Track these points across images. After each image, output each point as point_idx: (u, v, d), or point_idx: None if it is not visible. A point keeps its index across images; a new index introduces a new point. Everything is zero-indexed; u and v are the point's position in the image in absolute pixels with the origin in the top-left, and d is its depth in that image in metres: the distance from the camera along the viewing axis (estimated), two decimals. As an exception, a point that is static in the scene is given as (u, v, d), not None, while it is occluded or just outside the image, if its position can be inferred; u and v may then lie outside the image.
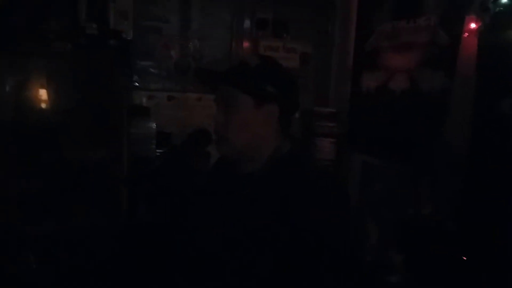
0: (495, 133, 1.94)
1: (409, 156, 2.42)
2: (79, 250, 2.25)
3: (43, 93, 2.17)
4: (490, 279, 1.83)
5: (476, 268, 1.91)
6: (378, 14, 2.75)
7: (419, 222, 2.24)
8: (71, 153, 2.27)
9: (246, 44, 3.05)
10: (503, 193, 1.87)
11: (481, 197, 1.98)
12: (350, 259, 1.17)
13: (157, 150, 2.57)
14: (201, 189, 1.49)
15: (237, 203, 1.24)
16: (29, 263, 2.14)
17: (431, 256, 2.09)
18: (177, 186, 2.06)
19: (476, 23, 2.03)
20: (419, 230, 2.22)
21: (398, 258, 2.24)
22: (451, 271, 1.98)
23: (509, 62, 1.89)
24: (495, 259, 1.87)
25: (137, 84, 2.79)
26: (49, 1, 2.21)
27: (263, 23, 3.05)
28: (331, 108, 3.18)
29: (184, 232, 1.43)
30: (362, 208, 2.74)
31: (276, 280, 1.12)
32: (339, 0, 3.22)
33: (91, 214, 2.29)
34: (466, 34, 2.08)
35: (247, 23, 3.05)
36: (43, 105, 2.18)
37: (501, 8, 1.90)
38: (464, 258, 1.96)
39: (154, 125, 2.61)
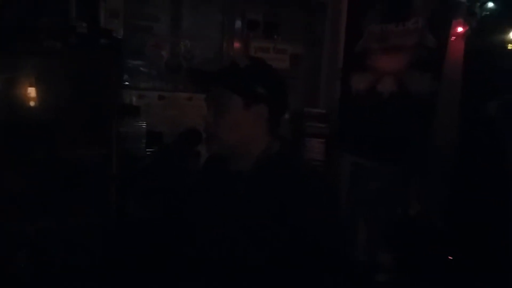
0: (482, 134, 1.98)
1: (398, 156, 2.45)
2: (70, 247, 2.24)
3: (33, 92, 2.16)
4: (479, 277, 1.86)
5: (466, 266, 1.94)
6: (368, 16, 2.78)
7: (408, 222, 2.27)
8: (61, 151, 2.26)
9: (237, 45, 3.06)
10: (491, 192, 1.90)
11: (469, 196, 2.01)
12: (339, 258, 1.19)
13: (147, 149, 2.57)
14: (191, 188, 1.50)
15: (225, 203, 1.25)
16: (20, 261, 2.13)
17: (420, 255, 2.11)
18: (167, 185, 2.07)
19: (463, 27, 2.06)
20: (408, 229, 2.24)
21: (388, 258, 2.27)
22: (440, 270, 2.00)
23: (495, 65, 1.93)
24: (484, 257, 1.91)
25: (127, 83, 2.78)
26: (39, 0, 2.20)
27: (254, 24, 3.06)
28: (321, 109, 3.20)
29: (173, 229, 1.44)
30: (351, 208, 2.76)
31: (266, 277, 1.13)
32: (329, 2, 3.24)
33: (81, 212, 2.28)
34: (454, 37, 2.12)
35: (238, 24, 3.06)
36: (34, 104, 2.17)
37: (488, 13, 1.94)
38: (450, 258, 1.99)
39: (144, 124, 2.61)
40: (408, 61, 2.42)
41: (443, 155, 2.16)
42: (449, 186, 2.14)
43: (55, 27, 2.19)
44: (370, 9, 2.76)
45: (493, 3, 1.93)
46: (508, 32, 1.84)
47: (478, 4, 1.96)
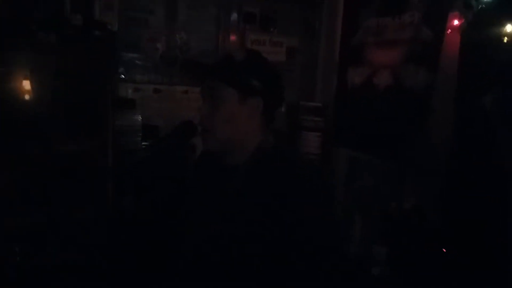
0: (477, 128, 1.98)
1: (393, 150, 2.45)
2: (65, 241, 2.24)
3: (27, 84, 2.14)
4: (474, 274, 1.87)
5: (459, 262, 1.95)
6: (364, 10, 2.78)
7: (403, 216, 2.28)
8: (55, 145, 2.25)
9: (233, 37, 3.05)
10: (486, 188, 1.91)
11: (464, 191, 2.02)
12: (335, 252, 1.19)
13: (143, 143, 2.57)
14: (186, 181, 1.49)
15: (221, 196, 1.25)
16: (14, 255, 2.13)
17: (415, 249, 2.13)
18: (162, 177, 2.07)
19: (459, 20, 2.06)
20: (404, 224, 2.25)
21: (383, 252, 2.28)
22: (436, 268, 2.01)
23: (491, 59, 1.93)
24: (477, 253, 1.91)
25: (122, 76, 2.76)
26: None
27: (250, 17, 3.05)
28: (317, 102, 3.20)
29: (168, 223, 1.44)
30: (347, 201, 2.77)
31: (260, 272, 1.13)
32: (326, -5, 3.24)
33: (76, 206, 2.28)
34: (449, 30, 2.12)
35: (234, 16, 3.05)
36: (28, 97, 2.15)
37: (484, 6, 1.93)
38: (444, 250, 2.00)
39: (139, 118, 2.60)
40: (403, 54, 2.42)
41: (439, 148, 2.16)
42: (444, 179, 2.14)
43: (50, 20, 2.17)
44: (366, 2, 2.75)
45: (489, -4, 1.92)
46: (504, 25, 1.84)
47: (474, -4, 1.96)
